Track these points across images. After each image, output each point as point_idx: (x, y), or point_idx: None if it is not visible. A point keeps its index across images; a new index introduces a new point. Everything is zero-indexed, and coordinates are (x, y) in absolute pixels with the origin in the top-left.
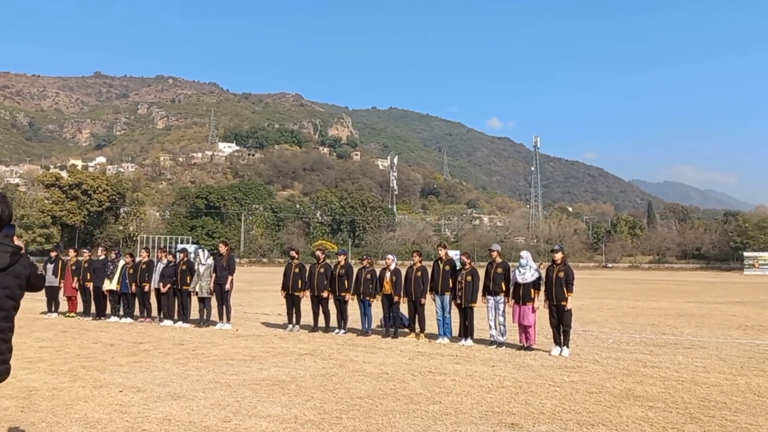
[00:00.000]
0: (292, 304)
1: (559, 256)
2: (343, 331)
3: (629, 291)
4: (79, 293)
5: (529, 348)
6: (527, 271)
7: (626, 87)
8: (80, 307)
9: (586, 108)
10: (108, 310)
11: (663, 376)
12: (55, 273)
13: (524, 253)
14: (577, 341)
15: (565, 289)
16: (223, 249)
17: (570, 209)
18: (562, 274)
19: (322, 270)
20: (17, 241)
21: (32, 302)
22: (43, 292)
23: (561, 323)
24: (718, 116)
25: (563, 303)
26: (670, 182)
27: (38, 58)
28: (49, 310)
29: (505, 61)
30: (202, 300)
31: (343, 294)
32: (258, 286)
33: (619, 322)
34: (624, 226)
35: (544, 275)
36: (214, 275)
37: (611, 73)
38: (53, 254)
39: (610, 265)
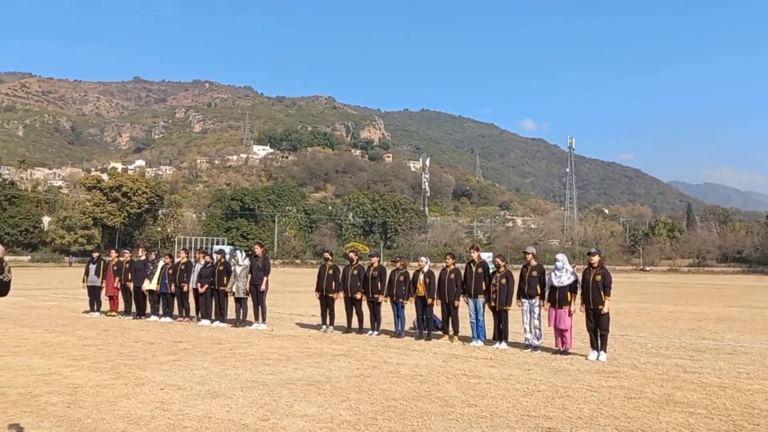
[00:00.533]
0: (326, 305)
1: (596, 258)
2: (376, 332)
3: (668, 295)
4: (120, 293)
5: (565, 352)
6: (563, 274)
7: (663, 85)
8: (121, 307)
9: (622, 108)
10: (148, 310)
11: (704, 381)
12: (97, 273)
13: (560, 256)
14: (614, 346)
15: (602, 292)
16: (258, 250)
17: (606, 211)
18: (599, 278)
19: (355, 272)
20: None
21: (75, 302)
22: (85, 291)
23: (598, 327)
24: (759, 115)
25: (600, 307)
26: (710, 184)
27: (80, 64)
28: (92, 309)
29: (539, 61)
30: (238, 300)
31: (376, 296)
32: (292, 287)
33: (658, 326)
34: (662, 229)
35: (580, 278)
36: (249, 276)
37: (648, 72)
38: (95, 255)
39: (647, 268)
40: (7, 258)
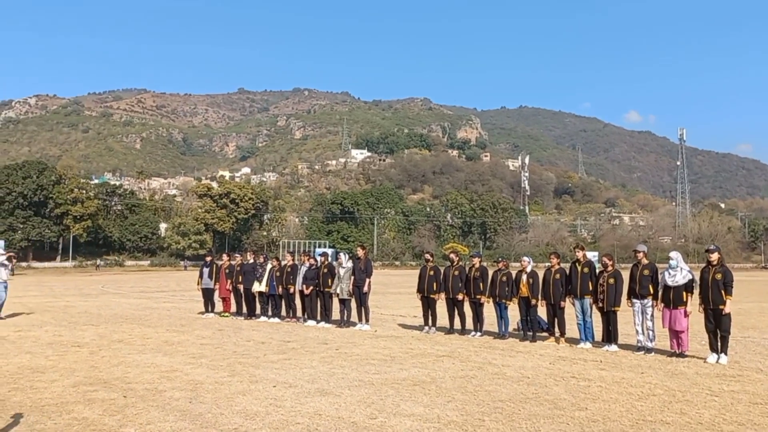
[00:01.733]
0: (428, 306)
1: (715, 256)
2: (479, 333)
3: None
4: (232, 295)
5: (681, 355)
6: (678, 272)
7: None
8: (233, 308)
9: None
10: (258, 311)
11: None
12: (210, 276)
13: (674, 254)
14: (735, 348)
15: (723, 291)
16: (360, 253)
17: (722, 206)
18: (719, 276)
19: (456, 272)
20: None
21: (191, 303)
22: (200, 293)
23: (718, 328)
24: None
25: (721, 307)
26: None
27: (189, 78)
28: (206, 311)
29: (642, 48)
30: (342, 301)
31: (478, 297)
32: (393, 289)
33: None
34: None
35: (698, 277)
36: (353, 278)
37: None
38: (208, 259)
39: None
40: (129, 263)
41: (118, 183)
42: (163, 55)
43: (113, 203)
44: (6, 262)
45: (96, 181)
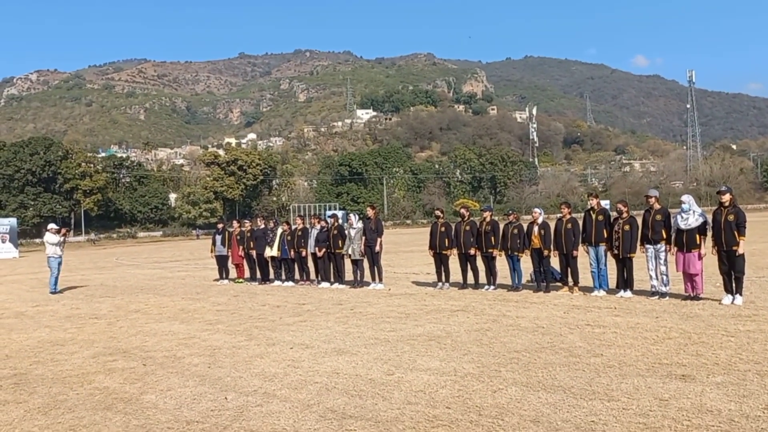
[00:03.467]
0: (441, 262)
1: (727, 197)
2: (492, 287)
3: None
4: (245, 261)
5: (696, 297)
6: (690, 215)
7: None
8: (247, 274)
9: (745, 31)
10: (271, 275)
11: None
12: (223, 243)
13: (685, 197)
14: (750, 288)
15: (736, 232)
16: (370, 212)
17: (734, 147)
18: (732, 217)
19: (467, 228)
20: None
21: (205, 271)
22: (214, 261)
23: (733, 270)
24: None
25: (735, 248)
26: None
27: (189, 46)
28: (221, 277)
29: None
30: (355, 262)
31: (490, 250)
32: (404, 247)
33: None
34: None
35: (710, 219)
36: (364, 238)
37: None
38: (220, 226)
39: None
40: (141, 234)
41: (125, 155)
42: (162, 23)
43: (122, 176)
44: (61, 239)
45: (103, 154)
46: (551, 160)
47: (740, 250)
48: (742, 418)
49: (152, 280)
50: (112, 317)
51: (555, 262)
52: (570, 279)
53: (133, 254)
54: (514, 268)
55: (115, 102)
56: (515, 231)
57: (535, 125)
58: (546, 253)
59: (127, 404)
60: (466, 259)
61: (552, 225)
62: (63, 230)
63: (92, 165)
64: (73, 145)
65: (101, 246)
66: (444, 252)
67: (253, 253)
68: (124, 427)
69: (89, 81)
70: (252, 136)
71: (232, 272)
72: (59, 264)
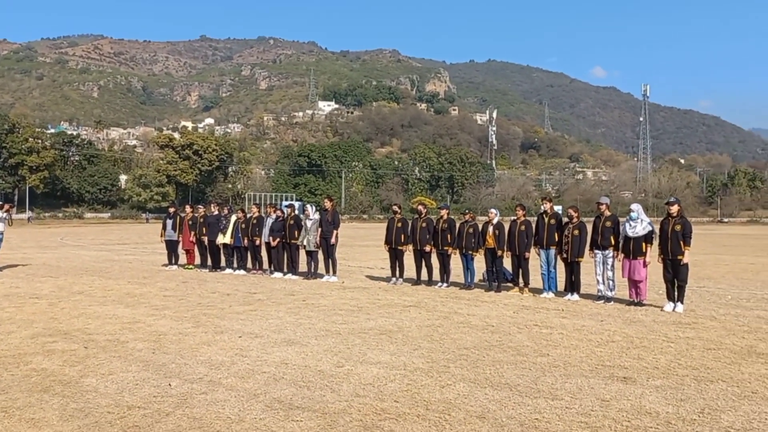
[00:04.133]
0: (396, 257)
1: (675, 208)
2: (445, 284)
3: (748, 246)
4: (196, 247)
5: (639, 303)
6: (638, 224)
7: (745, 26)
8: (198, 260)
9: (699, 51)
10: (223, 263)
11: None
12: (173, 228)
13: (635, 206)
14: (692, 297)
15: (682, 242)
16: (328, 204)
17: (682, 161)
18: (678, 228)
19: (424, 224)
20: None
21: (153, 255)
22: (163, 245)
23: (676, 278)
24: None
25: (680, 257)
26: None
27: (148, 24)
28: (170, 263)
29: (610, 6)
30: (309, 253)
31: (445, 248)
32: (360, 241)
33: (738, 278)
34: (742, 179)
35: (658, 228)
36: (320, 230)
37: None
38: (172, 210)
39: (726, 219)
40: (88, 215)
41: (75, 133)
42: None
43: (71, 154)
44: (4, 215)
45: (52, 130)
46: (508, 163)
47: (685, 260)
48: (678, 420)
49: (98, 262)
50: (53, 298)
51: (507, 263)
52: (521, 280)
53: (79, 235)
54: (468, 267)
55: (67, 77)
56: (470, 230)
57: (494, 128)
58: (499, 253)
59: (66, 387)
60: (421, 256)
61: (506, 226)
62: (6, 206)
63: (40, 141)
64: (20, 119)
65: (45, 224)
66: (399, 247)
67: (205, 239)
68: (62, 411)
69: (41, 54)
70: (210, 120)
71: (183, 258)
72: (0, 241)
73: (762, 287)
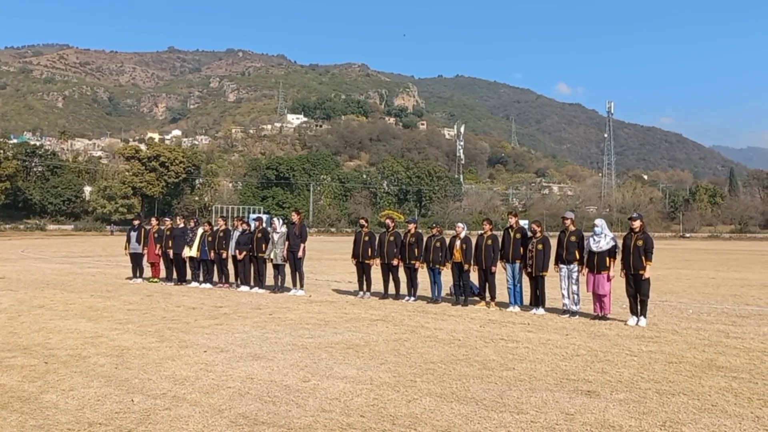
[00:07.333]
0: (363, 271)
1: (637, 224)
2: (413, 298)
3: (709, 261)
4: (161, 260)
5: (603, 317)
6: (602, 239)
7: (706, 46)
8: (163, 273)
9: (662, 70)
10: (188, 276)
11: (747, 347)
12: (138, 240)
13: (599, 221)
14: (654, 311)
15: (643, 257)
16: (295, 218)
17: (645, 177)
18: (641, 243)
19: (392, 238)
20: None
21: (118, 268)
22: (128, 258)
23: (638, 293)
24: None
25: (641, 272)
26: (755, 148)
27: (115, 35)
28: (134, 276)
29: (573, 24)
30: (276, 267)
31: (413, 262)
32: (328, 255)
33: (699, 292)
34: (704, 195)
35: (620, 243)
36: (287, 243)
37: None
38: (136, 223)
39: (687, 235)
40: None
41: (38, 143)
42: (86, 8)
43: (33, 164)
44: None
45: (15, 140)
46: (476, 177)
47: (647, 274)
48: None
49: (60, 275)
50: (13, 312)
51: (474, 277)
52: (488, 294)
53: (41, 247)
54: (435, 281)
55: (31, 87)
56: (438, 244)
57: (462, 143)
58: (466, 267)
59: (25, 403)
60: (388, 270)
61: (474, 240)
62: None
63: (2, 151)
64: None
65: (6, 236)
66: (367, 261)
67: (171, 252)
68: (20, 428)
69: (4, 63)
70: (177, 132)
71: (147, 271)
72: None
73: (722, 301)
